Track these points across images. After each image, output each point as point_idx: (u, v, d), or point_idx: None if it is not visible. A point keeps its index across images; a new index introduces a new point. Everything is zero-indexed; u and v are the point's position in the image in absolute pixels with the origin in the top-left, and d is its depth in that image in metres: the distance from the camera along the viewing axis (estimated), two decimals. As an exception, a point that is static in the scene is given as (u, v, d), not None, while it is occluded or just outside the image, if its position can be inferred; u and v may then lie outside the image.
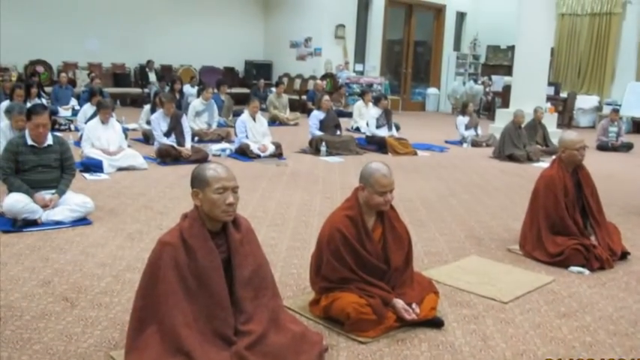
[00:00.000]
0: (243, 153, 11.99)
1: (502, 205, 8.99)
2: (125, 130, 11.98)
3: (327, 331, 4.42)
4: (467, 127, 15.73)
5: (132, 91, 21.30)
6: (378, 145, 13.77)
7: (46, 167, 6.97)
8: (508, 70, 23.08)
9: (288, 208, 8.14)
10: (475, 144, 15.37)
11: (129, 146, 11.19)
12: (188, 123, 12.26)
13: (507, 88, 19.43)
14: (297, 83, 23.48)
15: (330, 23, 23.07)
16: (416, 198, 9.14)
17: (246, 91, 21.96)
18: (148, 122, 12.97)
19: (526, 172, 11.94)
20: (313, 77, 22.81)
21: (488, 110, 23.33)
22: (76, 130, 13.56)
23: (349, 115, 18.71)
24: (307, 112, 17.82)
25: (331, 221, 4.61)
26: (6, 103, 11.85)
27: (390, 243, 4.62)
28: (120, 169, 10.12)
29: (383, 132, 13.94)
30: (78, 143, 11.36)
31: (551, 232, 6.30)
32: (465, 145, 15.35)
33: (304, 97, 21.34)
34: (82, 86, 18.80)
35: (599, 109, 22.66)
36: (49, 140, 7.02)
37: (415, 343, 4.30)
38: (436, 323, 4.56)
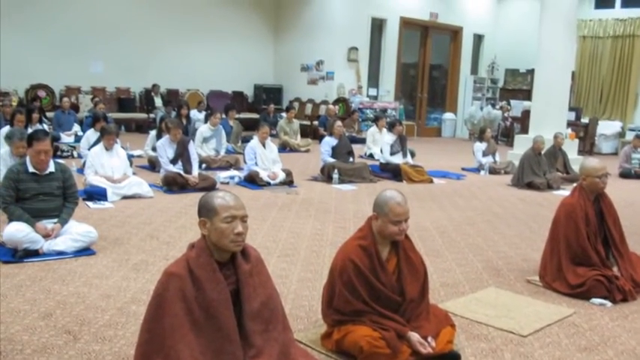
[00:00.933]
0: (253, 181, 11.99)
1: (521, 235, 8.97)
2: (130, 157, 11.97)
3: (340, 365, 4.42)
4: (484, 154, 15.70)
5: (137, 116, 21.32)
6: (393, 172, 13.77)
7: (48, 195, 6.98)
8: (527, 95, 23.08)
9: (299, 238, 8.14)
10: (493, 171, 15.34)
11: (134, 174, 11.21)
12: (195, 149, 12.30)
13: (526, 113, 19.46)
14: (309, 108, 23.49)
15: (343, 46, 23.06)
16: (432, 227, 9.13)
17: (255, 116, 22.03)
18: (154, 149, 13.00)
19: (546, 200, 11.94)
20: (325, 102, 22.81)
21: (506, 136, 23.32)
22: (79, 156, 13.52)
23: (362, 141, 18.70)
24: (319, 138, 17.84)
25: (344, 251, 4.61)
26: (6, 128, 11.84)
27: (405, 274, 4.62)
28: (124, 198, 10.13)
29: (397, 159, 13.94)
30: (81, 170, 11.39)
31: (572, 262, 6.28)
32: (482, 172, 15.32)
33: (316, 122, 21.30)
34: (86, 111, 18.81)
35: (621, 135, 22.65)
36: (51, 167, 7.04)
37: (431, 379, 4.30)
38: (453, 357, 4.55)
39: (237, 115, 18.38)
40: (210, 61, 23.16)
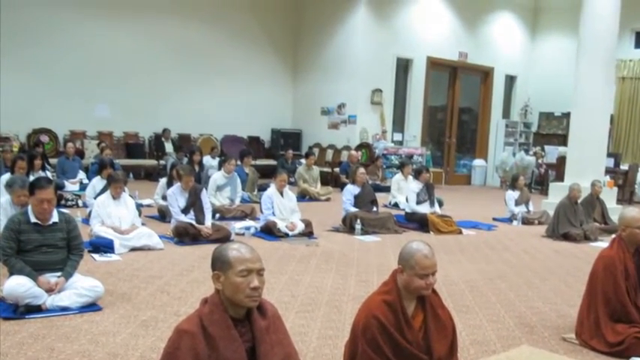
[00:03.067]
0: (270, 232, 12.02)
1: (556, 289, 8.95)
2: (139, 207, 12.04)
3: None
4: (517, 203, 15.68)
5: (146, 162, 21.44)
6: (419, 222, 13.79)
7: (51, 247, 6.98)
8: (563, 140, 23.13)
9: (319, 293, 8.14)
10: (526, 221, 15.32)
11: (143, 224, 11.27)
12: (208, 198, 12.35)
13: (562, 160, 19.43)
14: (329, 154, 23.59)
15: (366, 87, 23.14)
16: (461, 281, 9.12)
17: (272, 162, 22.21)
18: (164, 197, 13.03)
19: (583, 252, 11.92)
20: (347, 147, 22.87)
21: (540, 184, 23.31)
22: (85, 206, 13.58)
23: (387, 189, 18.73)
24: (340, 186, 17.90)
25: (367, 307, 4.61)
26: (7, 176, 11.89)
27: (433, 331, 4.61)
28: (133, 250, 10.15)
29: (424, 208, 13.95)
30: (86, 221, 11.45)
31: (610, 319, 6.25)
32: (515, 222, 15.30)
33: (337, 169, 21.38)
34: (91, 157, 18.92)
35: (664, 182, 22.58)
36: (55, 217, 7.06)
37: None
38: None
39: (252, 162, 18.44)
40: (224, 105, 23.35)
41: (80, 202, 14.51)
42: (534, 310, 7.74)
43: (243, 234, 12.01)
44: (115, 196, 10.56)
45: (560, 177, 19.39)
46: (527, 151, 25.57)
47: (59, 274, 6.98)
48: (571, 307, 7.55)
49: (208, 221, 11.56)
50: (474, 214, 16.33)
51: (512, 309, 7.74)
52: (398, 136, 24.35)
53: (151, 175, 20.76)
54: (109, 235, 10.09)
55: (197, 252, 10.26)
